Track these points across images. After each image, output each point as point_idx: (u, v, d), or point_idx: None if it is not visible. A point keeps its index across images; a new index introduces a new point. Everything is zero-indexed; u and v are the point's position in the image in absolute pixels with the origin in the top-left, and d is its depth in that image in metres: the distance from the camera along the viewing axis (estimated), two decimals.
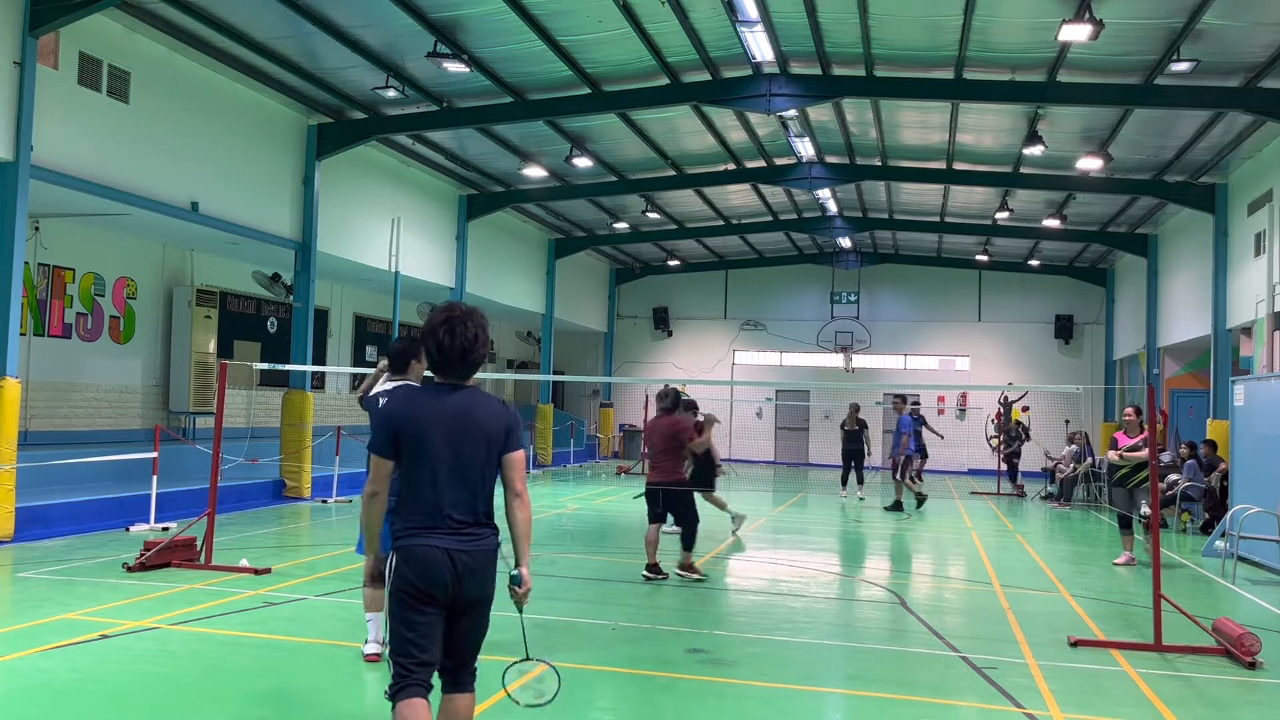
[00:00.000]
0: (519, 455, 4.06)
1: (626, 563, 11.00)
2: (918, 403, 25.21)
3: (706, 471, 11.42)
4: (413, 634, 3.86)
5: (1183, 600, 8.68)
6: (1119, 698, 6.21)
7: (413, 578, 3.85)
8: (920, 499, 18.15)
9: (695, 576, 9.74)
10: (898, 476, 18.16)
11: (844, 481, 19.79)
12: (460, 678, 4.05)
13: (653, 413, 10.89)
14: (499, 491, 4.05)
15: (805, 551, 12.77)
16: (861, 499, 19.08)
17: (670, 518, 9.86)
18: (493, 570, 3.97)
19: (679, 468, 9.89)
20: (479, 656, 4.09)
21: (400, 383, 6.15)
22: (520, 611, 4.11)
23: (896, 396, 20.31)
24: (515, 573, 4.01)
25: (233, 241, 15.69)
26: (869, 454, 20.66)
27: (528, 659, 4.26)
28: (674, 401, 10.10)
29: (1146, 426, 11.88)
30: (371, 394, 6.47)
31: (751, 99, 15.39)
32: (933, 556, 12.94)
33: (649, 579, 9.68)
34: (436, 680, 3.99)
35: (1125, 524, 11.75)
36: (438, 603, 3.88)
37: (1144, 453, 11.57)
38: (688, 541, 9.78)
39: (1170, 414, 21.82)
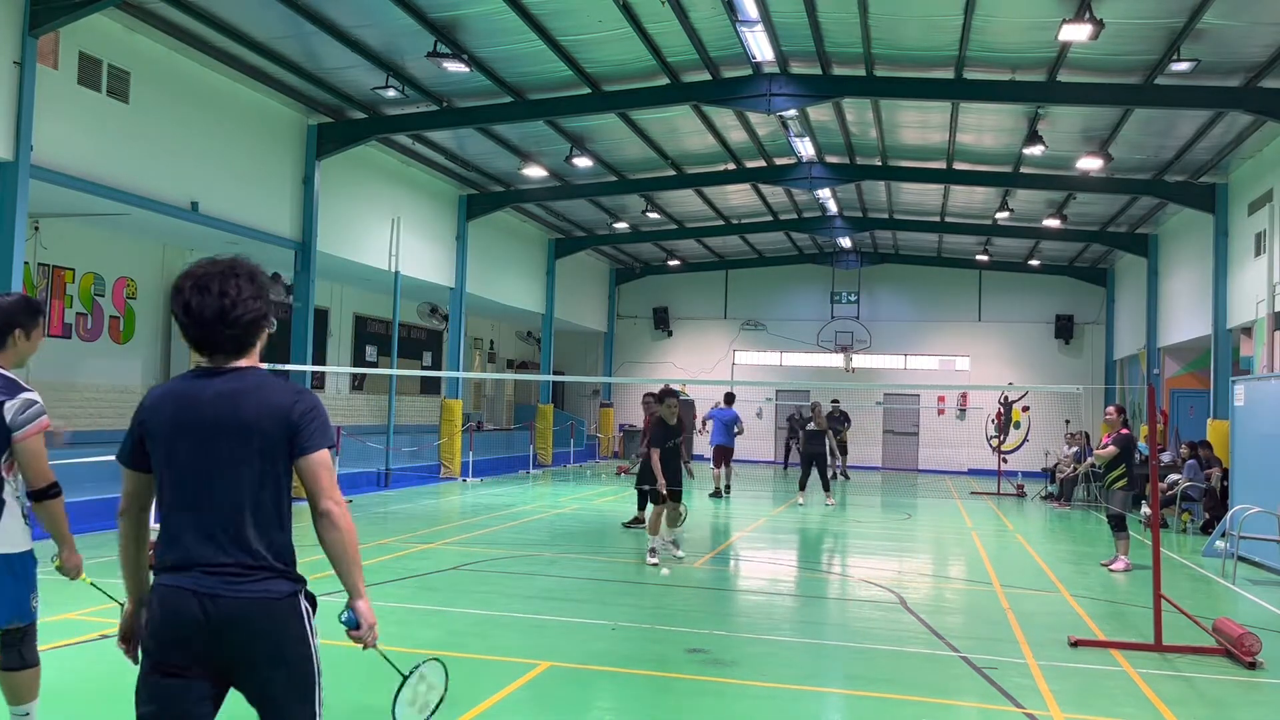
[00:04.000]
0: (316, 459, 2.95)
1: (627, 563, 11.00)
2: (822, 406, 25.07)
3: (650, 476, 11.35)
4: (145, 710, 2.84)
5: (1183, 600, 8.68)
6: (1119, 698, 6.21)
7: (151, 630, 2.87)
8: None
9: (641, 528, 11.73)
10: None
11: (802, 485, 18.44)
12: None
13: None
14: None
15: (805, 551, 12.77)
16: (830, 504, 17.91)
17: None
18: (270, 620, 2.86)
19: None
20: None
21: None
22: (372, 647, 3.08)
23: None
24: (344, 616, 2.99)
25: (233, 241, 15.66)
26: (836, 459, 20.74)
27: (407, 674, 3.34)
28: (658, 399, 11.26)
29: (1125, 428, 11.91)
30: None
31: (751, 99, 15.39)
32: (933, 556, 12.94)
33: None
34: None
35: (1115, 525, 11.69)
36: (183, 667, 2.82)
37: (1109, 451, 11.64)
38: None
39: (1170, 414, 21.82)
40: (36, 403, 4.09)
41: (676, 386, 11.49)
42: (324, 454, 2.98)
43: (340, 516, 2.96)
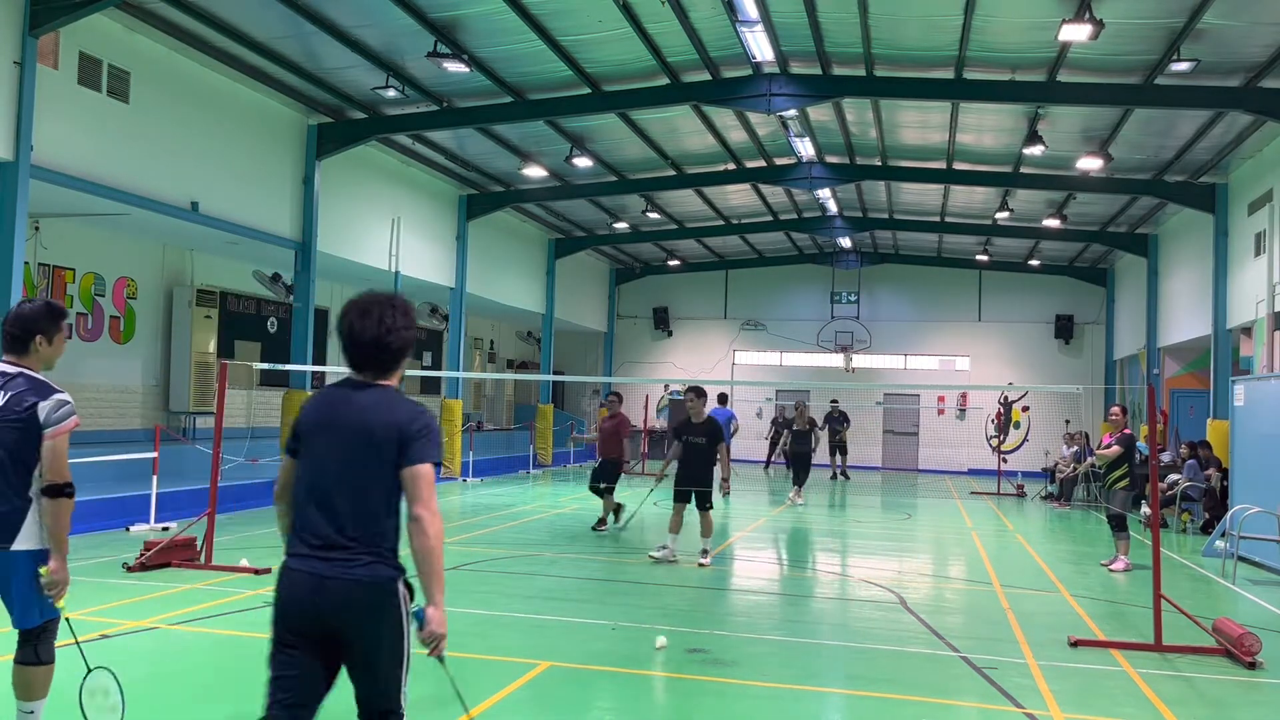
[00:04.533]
0: (419, 470, 3.33)
1: (626, 563, 11.01)
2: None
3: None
4: (271, 674, 3.33)
5: (1183, 600, 8.68)
6: (1119, 698, 6.21)
7: (276, 605, 3.33)
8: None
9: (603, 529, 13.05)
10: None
11: (798, 482, 18.32)
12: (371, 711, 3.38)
13: (653, 413, 11.56)
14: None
15: (805, 551, 12.77)
16: (801, 504, 17.72)
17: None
18: (369, 601, 3.29)
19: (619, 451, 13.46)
20: None
21: (16, 369, 4.28)
22: (441, 661, 3.39)
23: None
24: (415, 609, 3.38)
25: (233, 241, 15.69)
26: (837, 459, 20.69)
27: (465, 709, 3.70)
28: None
29: (1128, 428, 11.93)
30: None
31: (751, 99, 15.38)
32: (933, 556, 12.94)
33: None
34: None
35: (1115, 525, 11.70)
36: (301, 641, 3.28)
37: (1113, 450, 11.66)
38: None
39: (1170, 414, 21.82)
40: (68, 403, 4.30)
41: (677, 387, 11.57)
42: (427, 468, 3.36)
43: (429, 523, 3.31)
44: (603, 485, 13.28)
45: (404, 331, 3.49)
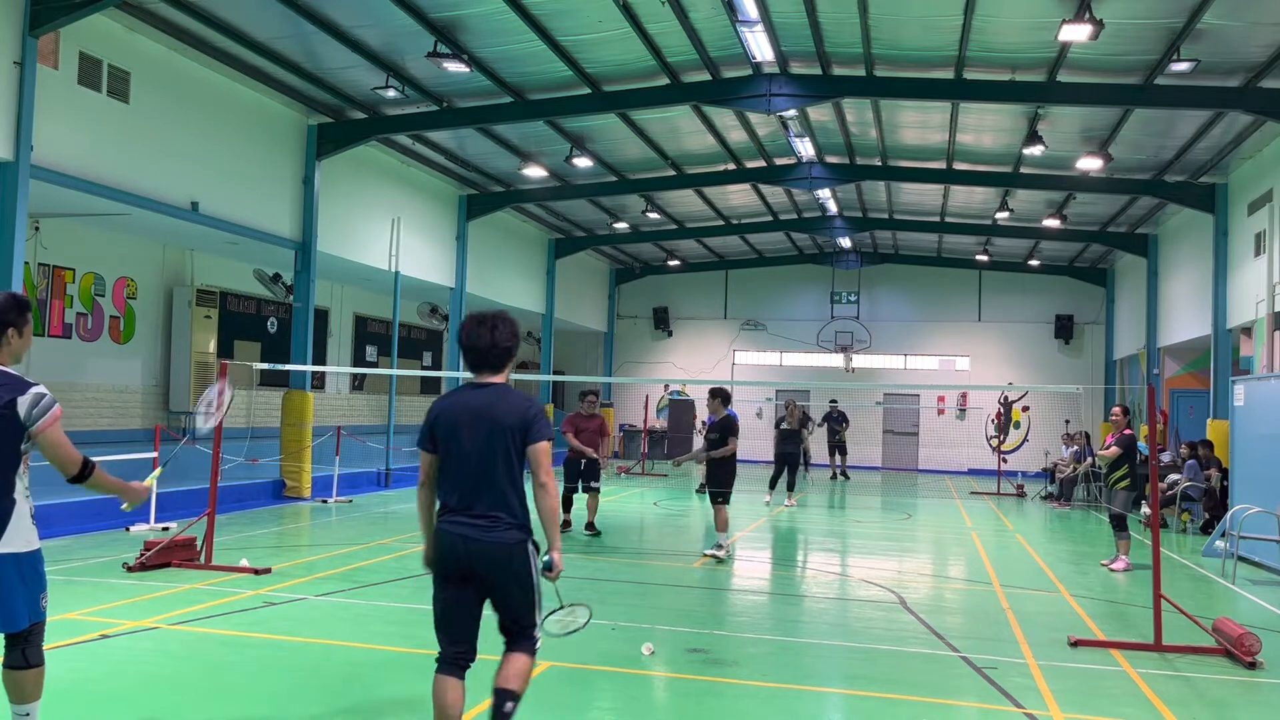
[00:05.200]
0: (540, 447, 4.34)
1: (626, 563, 11.01)
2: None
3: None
4: (439, 610, 4.40)
5: (1183, 600, 8.68)
6: (1119, 698, 6.21)
7: (435, 558, 4.40)
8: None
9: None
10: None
11: (773, 484, 17.94)
12: (510, 641, 4.48)
13: (653, 413, 11.50)
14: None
15: (805, 551, 12.77)
16: (792, 506, 17.49)
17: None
18: (507, 557, 4.30)
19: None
20: (533, 623, 4.45)
21: None
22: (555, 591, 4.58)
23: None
24: (545, 558, 4.41)
25: (233, 241, 15.68)
26: (806, 458, 20.65)
27: (561, 606, 4.79)
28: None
29: (1129, 428, 11.94)
30: None
31: (751, 99, 15.38)
32: (933, 556, 12.94)
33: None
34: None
35: (1117, 525, 11.71)
36: (456, 582, 4.32)
37: (1111, 451, 11.71)
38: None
39: (1170, 414, 21.82)
40: (46, 394, 4.17)
41: (677, 387, 11.62)
42: (545, 444, 4.38)
43: (550, 488, 4.36)
44: (594, 485, 13.14)
45: (509, 339, 4.45)
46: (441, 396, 4.58)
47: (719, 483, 11.45)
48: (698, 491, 18.87)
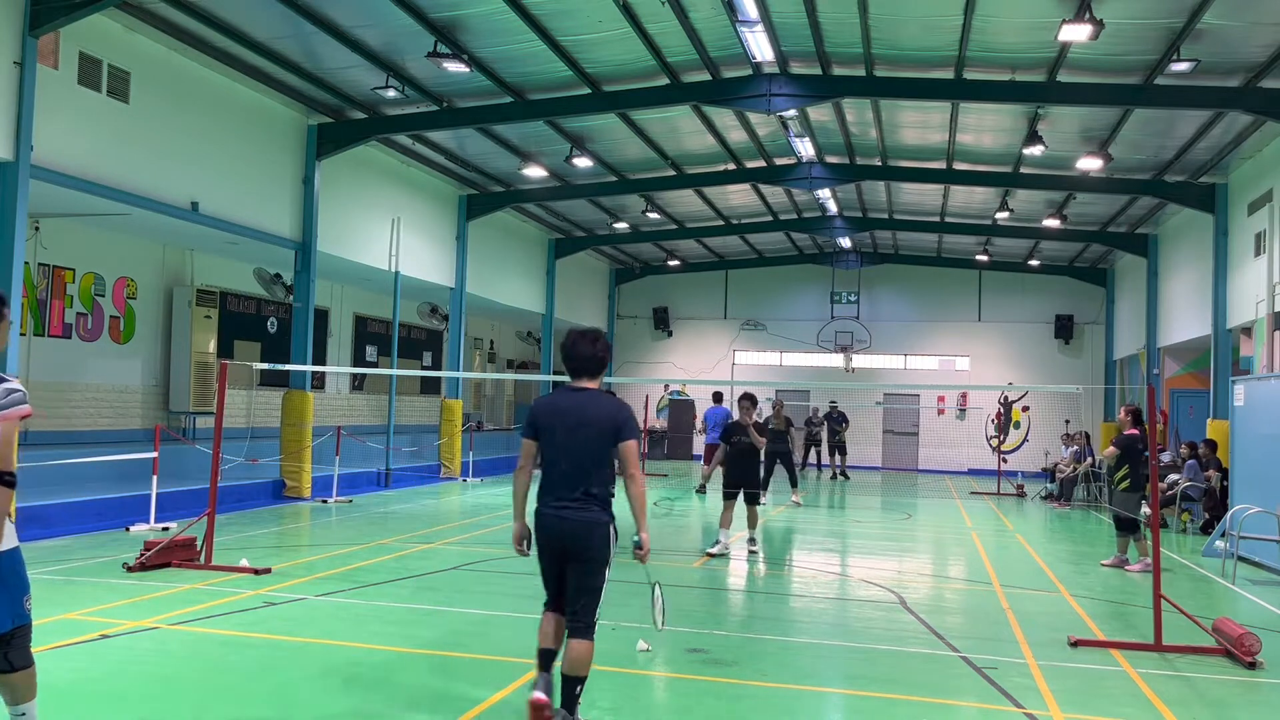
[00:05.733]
0: (628, 445, 5.14)
1: (626, 563, 10.99)
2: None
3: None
4: (543, 571, 5.29)
5: (1183, 600, 8.68)
6: (1119, 698, 6.21)
7: (536, 533, 5.23)
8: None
9: None
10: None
11: (765, 485, 17.30)
12: (573, 624, 5.13)
13: (653, 414, 11.64)
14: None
15: (805, 551, 12.77)
16: (798, 503, 17.76)
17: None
18: (593, 537, 5.10)
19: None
20: (593, 614, 5.10)
21: None
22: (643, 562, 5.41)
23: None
24: (635, 539, 5.21)
25: (233, 241, 15.69)
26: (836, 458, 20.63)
27: (653, 584, 6.00)
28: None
29: (1135, 428, 11.93)
30: None
31: (751, 99, 15.38)
32: (933, 556, 12.94)
33: None
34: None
35: (1121, 527, 11.70)
36: (552, 552, 5.19)
37: (1110, 451, 11.83)
38: None
39: (1170, 414, 21.82)
40: (19, 390, 4.07)
41: (676, 387, 11.70)
42: (634, 442, 5.19)
43: (639, 480, 5.14)
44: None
45: (605, 350, 5.35)
46: (543, 396, 5.44)
47: (757, 483, 12.29)
48: (698, 491, 18.96)
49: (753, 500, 12.05)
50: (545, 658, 5.19)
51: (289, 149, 16.06)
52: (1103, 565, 11.77)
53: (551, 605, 5.30)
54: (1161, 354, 22.10)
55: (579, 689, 5.06)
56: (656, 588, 6.00)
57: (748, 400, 12.16)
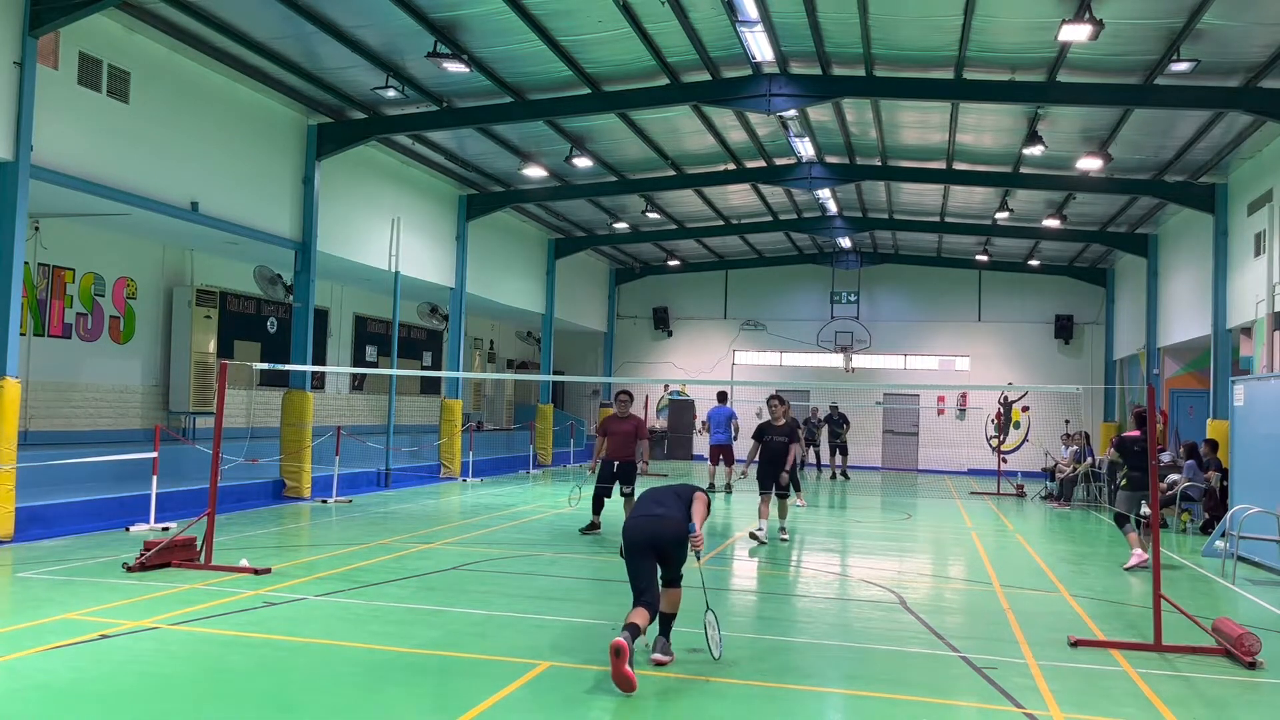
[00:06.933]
0: (697, 497, 6.96)
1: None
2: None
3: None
4: (630, 570, 6.57)
5: (1183, 600, 8.68)
6: (1119, 698, 6.21)
7: (626, 538, 6.65)
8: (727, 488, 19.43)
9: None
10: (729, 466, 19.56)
11: (796, 485, 17.39)
12: (667, 584, 6.67)
13: (653, 414, 11.93)
14: None
15: (805, 551, 12.77)
16: (801, 505, 17.58)
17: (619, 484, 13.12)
18: (675, 530, 6.63)
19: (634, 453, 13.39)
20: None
21: None
22: (699, 558, 7.11)
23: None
24: (690, 525, 6.70)
25: (233, 241, 15.69)
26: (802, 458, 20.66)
27: (708, 609, 6.86)
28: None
29: (1138, 428, 11.99)
30: None
31: (751, 99, 15.38)
32: (933, 556, 12.94)
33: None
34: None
35: (1119, 523, 11.76)
36: (642, 551, 6.56)
37: (1110, 451, 11.87)
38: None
39: (1170, 414, 21.82)
40: None
41: (676, 387, 11.74)
42: (702, 494, 7.02)
43: (700, 510, 6.87)
44: (627, 490, 12.99)
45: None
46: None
47: (786, 481, 12.89)
48: (725, 491, 19.00)
49: (782, 496, 12.95)
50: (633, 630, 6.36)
51: (289, 149, 16.06)
52: (1124, 569, 11.60)
53: (638, 601, 6.48)
54: (1161, 354, 22.10)
55: (671, 622, 6.70)
56: (710, 614, 6.76)
57: (778, 400, 12.83)
